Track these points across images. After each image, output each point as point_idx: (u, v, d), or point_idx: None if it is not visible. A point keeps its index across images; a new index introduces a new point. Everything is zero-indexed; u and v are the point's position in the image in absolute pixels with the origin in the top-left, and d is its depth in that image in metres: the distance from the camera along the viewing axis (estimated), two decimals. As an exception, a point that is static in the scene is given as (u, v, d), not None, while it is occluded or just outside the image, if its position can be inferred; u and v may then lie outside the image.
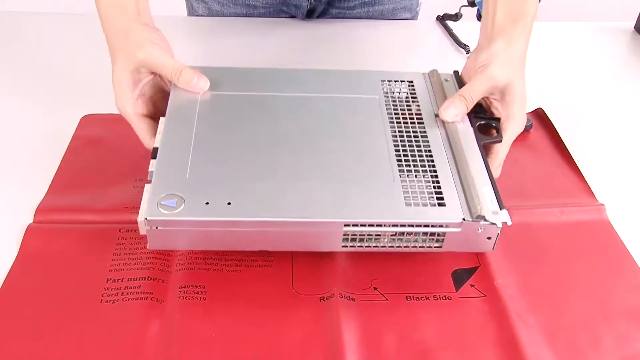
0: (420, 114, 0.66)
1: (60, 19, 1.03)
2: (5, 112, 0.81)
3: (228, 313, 0.56)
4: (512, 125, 0.64)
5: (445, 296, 0.59)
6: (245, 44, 0.98)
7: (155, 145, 0.60)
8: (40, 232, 0.63)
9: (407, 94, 0.69)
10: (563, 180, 0.73)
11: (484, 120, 0.66)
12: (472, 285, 0.60)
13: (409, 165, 0.60)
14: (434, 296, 0.59)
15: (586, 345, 0.55)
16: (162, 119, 0.63)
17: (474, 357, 0.54)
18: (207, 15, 1.07)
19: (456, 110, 0.64)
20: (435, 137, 0.63)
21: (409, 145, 0.62)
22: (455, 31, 1.03)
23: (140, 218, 0.54)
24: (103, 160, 0.73)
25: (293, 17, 1.06)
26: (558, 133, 0.80)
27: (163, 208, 0.54)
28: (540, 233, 0.66)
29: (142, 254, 0.61)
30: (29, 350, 0.53)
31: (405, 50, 1.00)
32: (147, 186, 0.56)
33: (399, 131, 0.64)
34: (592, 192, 0.71)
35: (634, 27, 1.08)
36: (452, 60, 0.97)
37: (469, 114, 0.65)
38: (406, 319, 0.57)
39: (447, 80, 0.71)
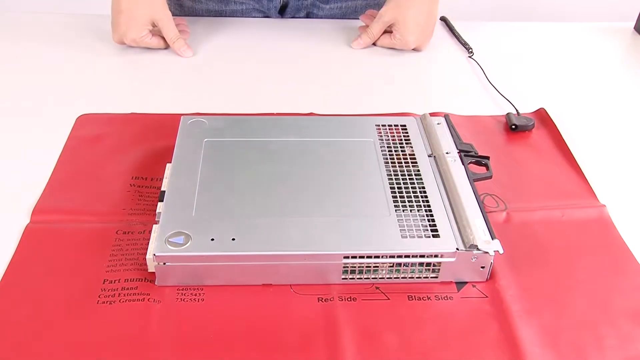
0: (413, 155, 0.68)
1: (58, 19, 1.03)
2: (1, 111, 0.81)
3: (226, 314, 0.56)
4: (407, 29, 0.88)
5: (446, 296, 0.58)
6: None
7: (163, 189, 0.63)
8: (37, 232, 0.63)
9: (401, 136, 0.71)
10: (565, 180, 0.73)
11: (474, 158, 0.69)
12: (474, 286, 0.59)
13: (404, 201, 0.62)
14: (435, 296, 0.58)
15: (588, 346, 0.55)
16: (168, 165, 0.66)
17: (475, 358, 0.54)
18: (179, 13, 1.04)
19: (362, 41, 0.96)
20: (429, 176, 0.66)
21: (404, 183, 0.64)
22: (459, 31, 1.03)
23: (149, 255, 0.56)
24: (99, 159, 0.72)
25: (267, 15, 1.05)
26: (560, 133, 0.79)
27: (170, 245, 0.56)
28: (542, 234, 0.65)
29: (138, 255, 0.60)
30: (26, 351, 0.52)
31: (407, 49, 0.99)
32: (154, 227, 0.59)
33: (394, 171, 0.66)
34: (594, 193, 0.71)
35: (634, 27, 1.08)
36: (455, 60, 0.97)
37: (459, 154, 0.68)
38: (407, 319, 0.56)
39: (439, 124, 0.73)
